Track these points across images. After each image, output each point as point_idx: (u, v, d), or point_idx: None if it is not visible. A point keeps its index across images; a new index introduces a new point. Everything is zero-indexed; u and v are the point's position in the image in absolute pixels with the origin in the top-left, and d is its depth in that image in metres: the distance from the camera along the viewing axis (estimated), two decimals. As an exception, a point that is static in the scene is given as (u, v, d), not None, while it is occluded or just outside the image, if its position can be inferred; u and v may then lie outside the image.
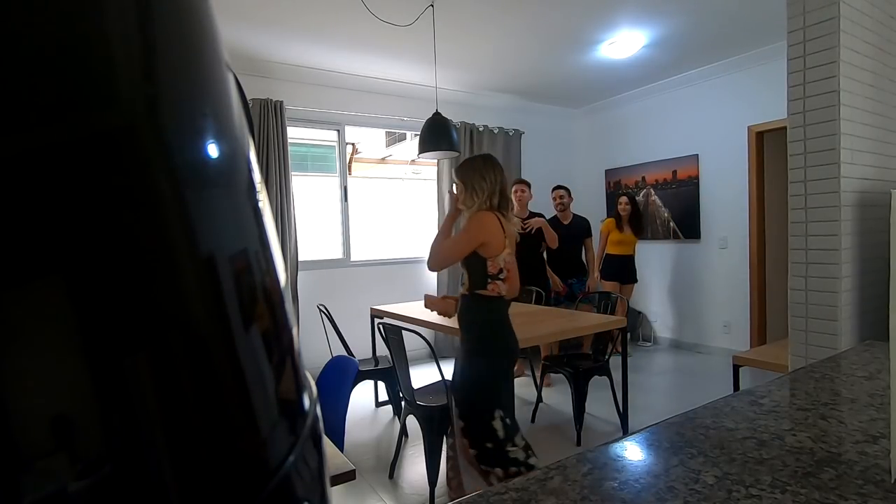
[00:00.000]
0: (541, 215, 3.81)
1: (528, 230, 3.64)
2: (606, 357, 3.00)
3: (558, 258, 4.01)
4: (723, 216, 4.45)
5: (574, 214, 4.13)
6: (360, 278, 4.45)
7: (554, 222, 3.94)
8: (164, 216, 0.21)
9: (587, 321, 2.71)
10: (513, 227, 1.88)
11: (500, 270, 1.82)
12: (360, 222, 4.55)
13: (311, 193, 4.35)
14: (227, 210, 0.25)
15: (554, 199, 4.09)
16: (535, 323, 2.72)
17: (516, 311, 3.09)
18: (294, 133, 4.17)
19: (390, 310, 3.39)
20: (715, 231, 4.52)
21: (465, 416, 1.83)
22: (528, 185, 3.90)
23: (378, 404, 3.50)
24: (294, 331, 0.30)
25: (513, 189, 3.77)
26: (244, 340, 0.24)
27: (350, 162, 4.69)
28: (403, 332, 2.35)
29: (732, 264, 4.38)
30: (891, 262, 0.63)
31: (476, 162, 1.88)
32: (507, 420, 1.81)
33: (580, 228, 4.08)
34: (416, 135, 4.03)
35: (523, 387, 3.69)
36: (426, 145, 3.12)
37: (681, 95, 4.72)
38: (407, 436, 2.88)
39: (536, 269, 3.83)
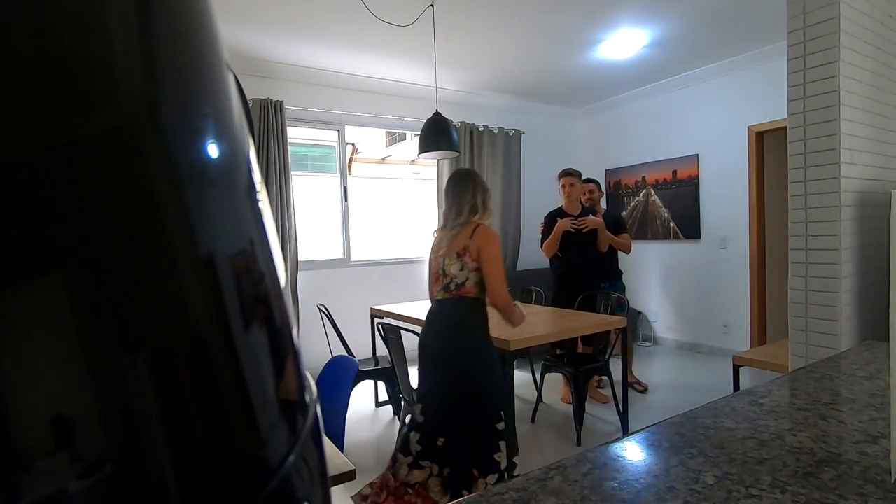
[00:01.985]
0: (594, 212, 3.46)
1: (581, 229, 3.28)
2: (606, 357, 3.00)
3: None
4: (723, 216, 4.45)
5: (606, 210, 3.74)
6: (360, 278, 4.45)
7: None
8: (163, 216, 0.21)
9: (587, 321, 2.71)
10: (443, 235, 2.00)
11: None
12: (360, 222, 4.55)
13: (311, 193, 4.35)
14: (227, 210, 0.25)
15: (583, 193, 3.60)
16: (534, 323, 2.72)
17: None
18: (294, 133, 4.17)
19: (390, 310, 3.39)
20: (715, 231, 4.51)
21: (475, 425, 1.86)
22: (578, 175, 3.45)
23: (378, 404, 3.50)
24: (294, 331, 0.30)
25: (560, 185, 3.40)
26: (244, 340, 0.24)
27: (350, 162, 4.69)
28: (403, 332, 2.35)
29: (732, 264, 4.38)
30: (891, 262, 0.63)
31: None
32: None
33: (611, 225, 3.49)
34: (416, 135, 4.03)
35: (524, 387, 3.69)
36: (426, 145, 3.12)
37: (681, 95, 4.72)
38: (407, 436, 2.88)
39: (587, 272, 3.39)
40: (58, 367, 0.17)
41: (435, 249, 2.02)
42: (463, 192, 1.98)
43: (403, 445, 1.91)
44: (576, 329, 2.59)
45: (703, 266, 4.62)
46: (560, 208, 3.43)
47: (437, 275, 1.98)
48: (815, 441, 0.69)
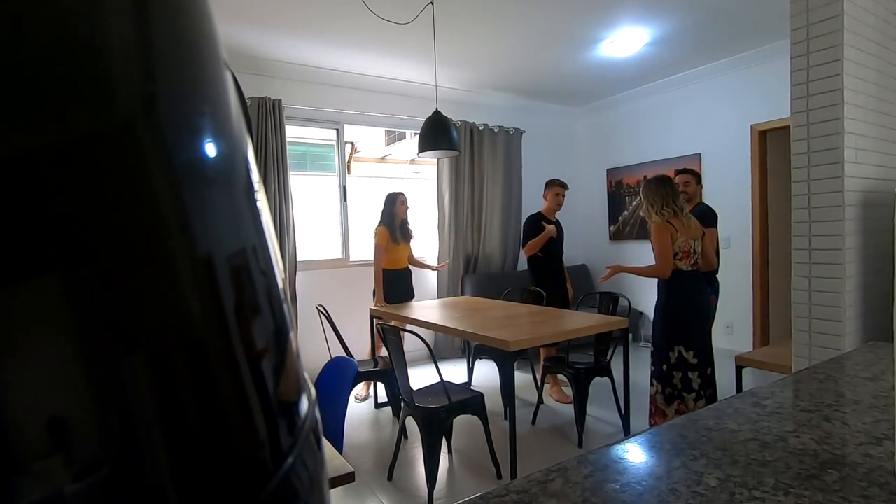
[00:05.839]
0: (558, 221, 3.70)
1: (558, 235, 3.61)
2: (608, 358, 3.00)
3: None
4: (725, 216, 4.42)
5: (701, 202, 3.26)
6: (360, 278, 4.44)
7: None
8: (161, 216, 0.21)
9: (587, 321, 2.70)
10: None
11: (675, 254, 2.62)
12: (359, 222, 4.55)
13: (309, 193, 4.35)
14: (224, 210, 0.25)
15: (678, 183, 3.11)
16: (534, 323, 2.72)
17: (516, 311, 3.09)
18: (292, 132, 4.17)
19: (390, 310, 3.39)
20: (717, 231, 4.50)
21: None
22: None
23: (377, 405, 3.50)
24: (292, 331, 0.30)
25: (554, 192, 3.62)
26: (242, 341, 0.24)
27: (349, 161, 4.69)
28: (402, 332, 2.35)
29: (735, 264, 4.37)
30: (895, 262, 0.62)
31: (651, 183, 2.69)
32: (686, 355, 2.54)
33: (703, 218, 3.07)
34: (415, 134, 4.03)
35: (524, 389, 3.69)
36: (426, 144, 3.12)
37: (683, 94, 4.71)
38: (406, 437, 2.88)
39: (562, 270, 3.74)
40: (55, 368, 0.17)
41: (682, 232, 2.59)
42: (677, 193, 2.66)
43: (686, 385, 2.53)
44: (577, 329, 2.59)
45: (705, 266, 4.62)
46: (540, 213, 3.65)
47: (689, 252, 2.59)
48: (818, 443, 0.68)
